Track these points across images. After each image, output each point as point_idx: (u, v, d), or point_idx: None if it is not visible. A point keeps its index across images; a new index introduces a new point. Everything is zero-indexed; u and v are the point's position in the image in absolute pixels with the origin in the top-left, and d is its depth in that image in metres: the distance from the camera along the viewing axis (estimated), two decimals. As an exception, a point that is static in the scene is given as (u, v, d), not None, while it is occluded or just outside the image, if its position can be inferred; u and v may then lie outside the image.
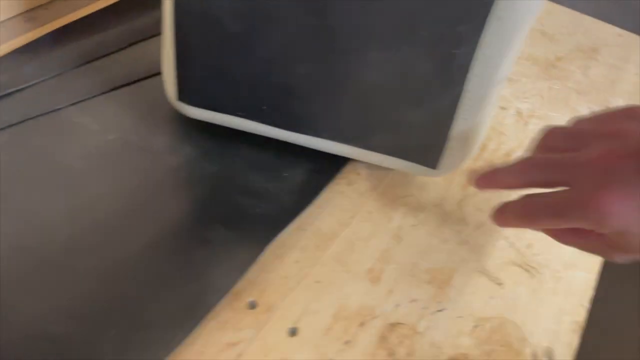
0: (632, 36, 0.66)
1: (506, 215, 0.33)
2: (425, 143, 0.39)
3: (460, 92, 0.36)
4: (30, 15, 0.52)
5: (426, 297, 0.37)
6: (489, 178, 0.34)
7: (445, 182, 0.44)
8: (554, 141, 0.32)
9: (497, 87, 0.38)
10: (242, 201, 0.40)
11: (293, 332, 0.34)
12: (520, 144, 0.49)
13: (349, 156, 0.42)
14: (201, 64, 0.38)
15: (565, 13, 0.69)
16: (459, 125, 0.38)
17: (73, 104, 0.44)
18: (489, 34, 0.33)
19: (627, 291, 0.72)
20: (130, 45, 0.51)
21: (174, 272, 0.35)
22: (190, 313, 0.33)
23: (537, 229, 0.34)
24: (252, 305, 0.34)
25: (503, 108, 0.52)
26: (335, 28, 0.34)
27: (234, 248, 0.36)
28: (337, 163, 0.43)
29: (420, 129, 0.38)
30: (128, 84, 0.47)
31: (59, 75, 0.47)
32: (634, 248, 0.28)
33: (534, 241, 0.41)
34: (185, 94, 0.40)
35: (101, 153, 0.41)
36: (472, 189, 0.44)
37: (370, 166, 0.44)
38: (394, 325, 0.35)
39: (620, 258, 0.30)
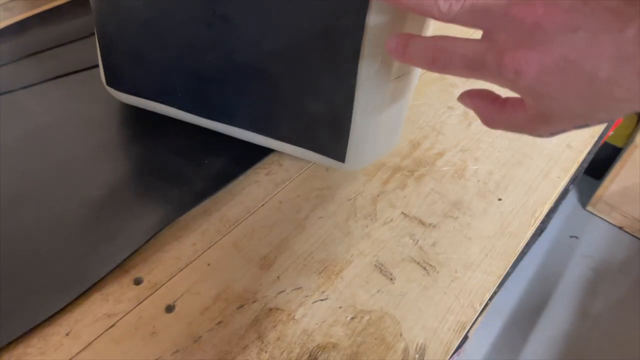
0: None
1: (411, 50, 0.30)
2: (329, 135, 0.40)
3: (354, 86, 0.36)
4: (7, 5, 0.56)
5: (312, 286, 0.37)
6: None
7: (366, 177, 0.44)
8: None
9: (401, 83, 0.38)
10: (156, 183, 0.42)
11: (170, 309, 0.35)
12: (457, 144, 0.48)
13: (264, 145, 0.43)
14: (120, 51, 0.41)
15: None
16: (359, 119, 0.38)
17: (24, 88, 0.48)
18: (371, 29, 0.33)
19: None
20: (92, 34, 0.54)
21: (68, 244, 0.37)
22: (75, 283, 0.35)
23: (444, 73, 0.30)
24: (138, 281, 0.36)
25: (450, 107, 0.52)
26: (229, 17, 0.36)
27: (132, 226, 0.38)
28: (260, 153, 0.45)
29: (322, 121, 0.39)
30: (79, 71, 0.50)
31: (18, 61, 0.50)
32: (555, 115, 0.27)
33: (440, 240, 0.41)
34: (111, 80, 0.43)
35: (38, 133, 0.44)
36: (391, 186, 0.44)
37: (293, 157, 0.45)
38: (271, 310, 0.36)
39: (544, 131, 0.28)
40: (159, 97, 0.42)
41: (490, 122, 0.30)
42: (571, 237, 1.58)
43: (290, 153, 0.43)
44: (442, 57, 0.28)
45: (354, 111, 0.38)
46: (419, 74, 0.48)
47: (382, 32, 0.33)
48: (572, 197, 1.68)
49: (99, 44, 0.41)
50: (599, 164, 1.65)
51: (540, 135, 0.29)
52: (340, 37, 0.34)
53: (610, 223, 1.60)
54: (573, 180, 0.76)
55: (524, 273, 1.47)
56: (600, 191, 1.59)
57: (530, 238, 0.72)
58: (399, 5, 0.30)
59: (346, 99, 0.37)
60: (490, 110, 0.30)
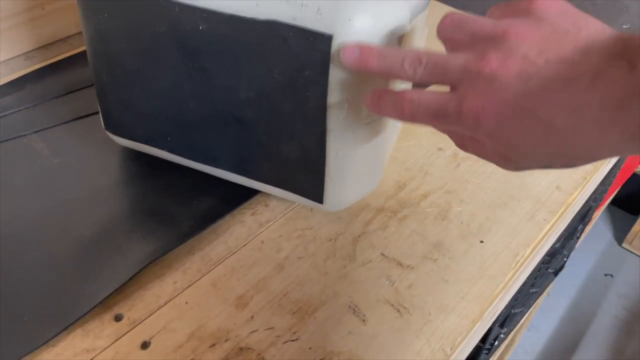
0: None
1: (383, 103, 0.32)
2: (306, 178, 0.41)
3: (325, 131, 0.38)
4: (29, 54, 0.61)
5: (284, 326, 0.38)
6: (368, 53, 0.32)
7: (348, 218, 0.45)
8: (451, 31, 0.30)
9: (374, 127, 0.39)
10: (146, 222, 0.44)
11: (146, 345, 0.37)
12: (443, 186, 0.49)
13: (248, 186, 0.45)
14: (113, 99, 0.43)
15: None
16: (332, 162, 0.39)
17: (35, 132, 0.52)
18: (334, 80, 0.35)
19: None
20: (101, 81, 0.57)
21: (56, 280, 0.39)
22: (59, 318, 0.37)
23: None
24: (119, 318, 0.38)
25: (440, 149, 0.52)
26: (206, 68, 0.38)
27: (118, 264, 0.40)
28: (247, 193, 0.46)
29: (299, 165, 0.40)
30: (87, 115, 0.53)
31: (33, 106, 0.54)
32: (517, 157, 0.28)
33: (417, 282, 0.41)
34: (108, 124, 0.46)
35: (43, 173, 0.47)
36: (373, 227, 0.45)
37: (278, 198, 0.46)
38: (242, 350, 0.37)
39: (509, 167, 0.30)
40: (151, 141, 0.44)
41: (462, 147, 0.32)
42: (606, 275, 1.53)
43: (273, 194, 0.45)
44: (410, 108, 0.30)
45: (327, 156, 0.39)
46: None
47: (346, 82, 0.35)
48: (607, 233, 1.63)
49: (96, 92, 0.44)
50: (635, 199, 1.60)
51: (507, 169, 0.30)
52: (307, 87, 0.36)
53: (647, 261, 1.54)
54: (582, 219, 0.74)
55: (555, 311, 1.43)
56: (636, 227, 1.54)
57: (539, 278, 0.70)
58: (368, 71, 0.32)
59: (318, 144, 0.38)
60: (464, 138, 0.31)
